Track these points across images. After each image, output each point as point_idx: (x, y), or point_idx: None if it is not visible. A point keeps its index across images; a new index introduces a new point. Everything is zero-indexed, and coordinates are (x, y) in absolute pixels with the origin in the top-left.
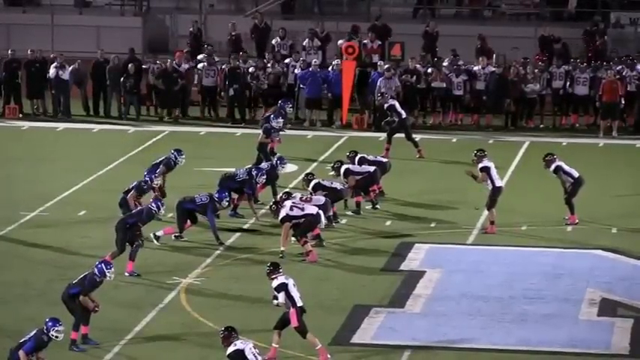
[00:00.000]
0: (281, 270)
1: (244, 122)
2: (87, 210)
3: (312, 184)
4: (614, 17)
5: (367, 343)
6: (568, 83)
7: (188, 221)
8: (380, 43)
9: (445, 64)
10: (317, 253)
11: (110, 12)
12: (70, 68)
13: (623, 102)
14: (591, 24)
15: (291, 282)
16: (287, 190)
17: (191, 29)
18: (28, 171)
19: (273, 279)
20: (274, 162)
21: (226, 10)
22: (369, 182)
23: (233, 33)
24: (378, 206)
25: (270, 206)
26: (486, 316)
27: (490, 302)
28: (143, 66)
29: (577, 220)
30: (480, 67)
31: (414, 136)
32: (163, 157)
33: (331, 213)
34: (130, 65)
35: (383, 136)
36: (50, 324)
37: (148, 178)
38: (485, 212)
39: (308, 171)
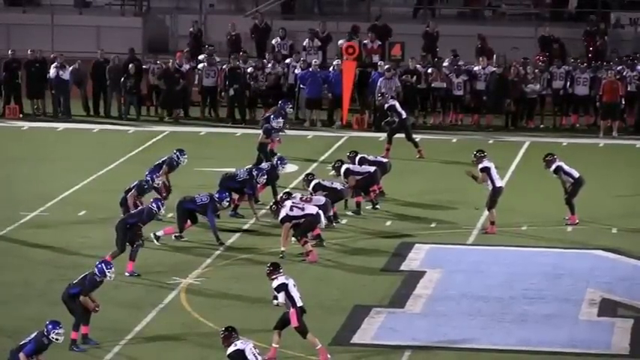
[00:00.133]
0: (281, 270)
1: (244, 122)
2: (87, 210)
3: (312, 184)
4: (614, 17)
5: (367, 343)
6: (568, 83)
7: (188, 221)
8: (380, 43)
9: (445, 64)
10: (317, 253)
11: (110, 12)
12: (70, 68)
13: (623, 102)
14: (588, 24)
15: (291, 282)
16: (287, 190)
17: (191, 29)
18: (28, 171)
19: (273, 279)
20: (275, 162)
21: (226, 10)
22: (369, 182)
23: (233, 33)
24: (378, 206)
25: (271, 206)
26: (487, 316)
27: (490, 302)
28: (143, 66)
29: (577, 221)
30: (480, 67)
31: (414, 136)
32: (166, 157)
33: (331, 213)
34: (130, 65)
35: (383, 136)
36: (51, 326)
37: (149, 178)
38: (486, 212)
39: (308, 171)
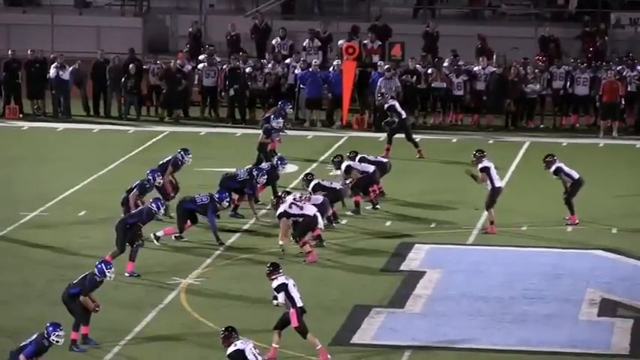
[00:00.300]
0: (281, 270)
1: (244, 122)
2: (87, 210)
3: (311, 184)
4: (614, 17)
5: (367, 343)
6: (568, 83)
7: (188, 221)
8: (380, 43)
9: (445, 64)
10: (317, 254)
11: (110, 12)
12: (70, 68)
13: (623, 102)
14: (583, 24)
15: (291, 282)
16: (287, 190)
17: (190, 30)
18: (28, 171)
19: (273, 279)
20: (275, 162)
21: (226, 10)
22: (367, 182)
23: (232, 33)
24: (378, 206)
25: (272, 200)
26: (486, 316)
27: (490, 302)
28: (143, 66)
29: (577, 221)
30: (480, 67)
31: (414, 136)
32: (170, 157)
33: (330, 213)
34: (130, 66)
35: (383, 136)
36: (51, 328)
37: (150, 177)
38: (485, 213)
39: (307, 171)
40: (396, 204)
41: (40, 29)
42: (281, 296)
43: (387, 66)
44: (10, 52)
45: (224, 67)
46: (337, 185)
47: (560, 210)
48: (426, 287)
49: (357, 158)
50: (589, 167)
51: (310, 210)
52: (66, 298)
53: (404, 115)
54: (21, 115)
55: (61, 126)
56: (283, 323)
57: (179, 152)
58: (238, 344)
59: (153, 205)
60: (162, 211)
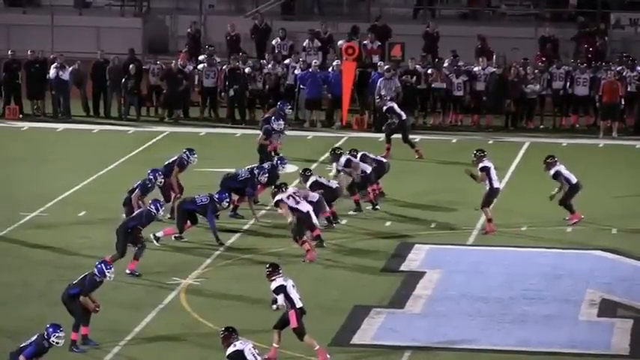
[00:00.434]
0: (280, 271)
1: (244, 123)
2: (87, 210)
3: (309, 181)
4: (614, 18)
5: (367, 343)
6: (568, 84)
7: (188, 222)
8: (380, 43)
9: (445, 64)
10: (317, 254)
11: (110, 12)
12: (70, 69)
13: (623, 103)
14: (579, 24)
15: (289, 283)
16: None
17: (189, 30)
18: (28, 171)
19: (272, 281)
20: (275, 162)
21: (226, 10)
22: (365, 182)
23: (232, 33)
24: (378, 207)
25: (272, 188)
26: (486, 316)
27: (490, 303)
28: (143, 67)
29: (582, 216)
30: (480, 67)
31: (411, 137)
32: (176, 157)
33: (328, 212)
34: (131, 66)
35: (383, 136)
36: (51, 330)
37: (152, 177)
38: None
39: (306, 167)
40: (395, 204)
41: (40, 29)
42: (280, 298)
43: (386, 66)
44: (10, 52)
45: (224, 67)
46: (334, 184)
47: (559, 210)
48: (425, 288)
49: (359, 156)
50: (589, 168)
51: (305, 207)
52: (66, 299)
53: (404, 116)
54: (21, 116)
55: (60, 126)
56: (283, 323)
57: (184, 152)
58: (238, 345)
59: (152, 207)
60: (161, 212)
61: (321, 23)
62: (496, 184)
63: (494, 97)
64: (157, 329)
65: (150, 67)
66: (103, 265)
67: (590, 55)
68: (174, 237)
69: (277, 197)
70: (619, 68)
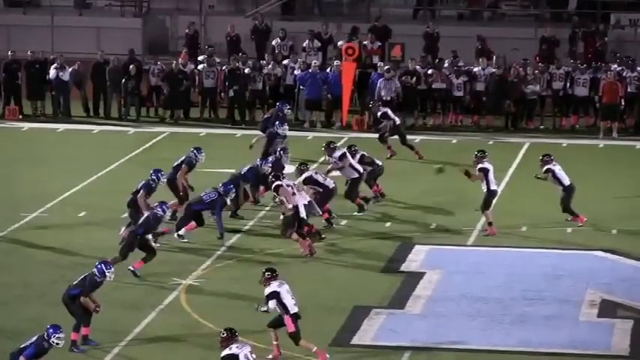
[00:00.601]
0: (276, 275)
1: (244, 123)
2: (87, 211)
3: (304, 175)
4: (614, 18)
5: (367, 344)
6: (568, 84)
7: (193, 223)
8: (380, 44)
9: (445, 65)
10: (316, 254)
11: (110, 13)
12: (70, 69)
13: (623, 103)
14: (572, 25)
15: (284, 288)
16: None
17: (187, 31)
18: (28, 172)
19: (266, 286)
20: (279, 153)
21: (226, 11)
22: (356, 183)
23: (232, 34)
24: (372, 202)
25: (270, 177)
26: (486, 317)
27: (490, 303)
28: (144, 67)
29: (585, 219)
30: (480, 68)
31: (411, 137)
32: (184, 157)
33: (322, 213)
34: (131, 66)
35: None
36: (51, 330)
37: (155, 177)
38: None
39: (303, 162)
40: (395, 205)
41: (40, 30)
42: (272, 303)
43: (386, 67)
44: (10, 53)
45: (224, 68)
46: (330, 183)
47: (559, 211)
48: (425, 288)
49: (357, 157)
50: (589, 168)
51: (297, 201)
52: (66, 300)
53: (397, 121)
54: (21, 116)
55: (61, 127)
56: (277, 323)
57: (192, 151)
58: (233, 348)
59: (158, 209)
60: (168, 213)
61: (321, 24)
62: (493, 187)
63: (494, 97)
64: (157, 330)
65: (150, 68)
66: (103, 265)
67: (590, 56)
68: (177, 235)
69: (277, 183)
70: (619, 69)
